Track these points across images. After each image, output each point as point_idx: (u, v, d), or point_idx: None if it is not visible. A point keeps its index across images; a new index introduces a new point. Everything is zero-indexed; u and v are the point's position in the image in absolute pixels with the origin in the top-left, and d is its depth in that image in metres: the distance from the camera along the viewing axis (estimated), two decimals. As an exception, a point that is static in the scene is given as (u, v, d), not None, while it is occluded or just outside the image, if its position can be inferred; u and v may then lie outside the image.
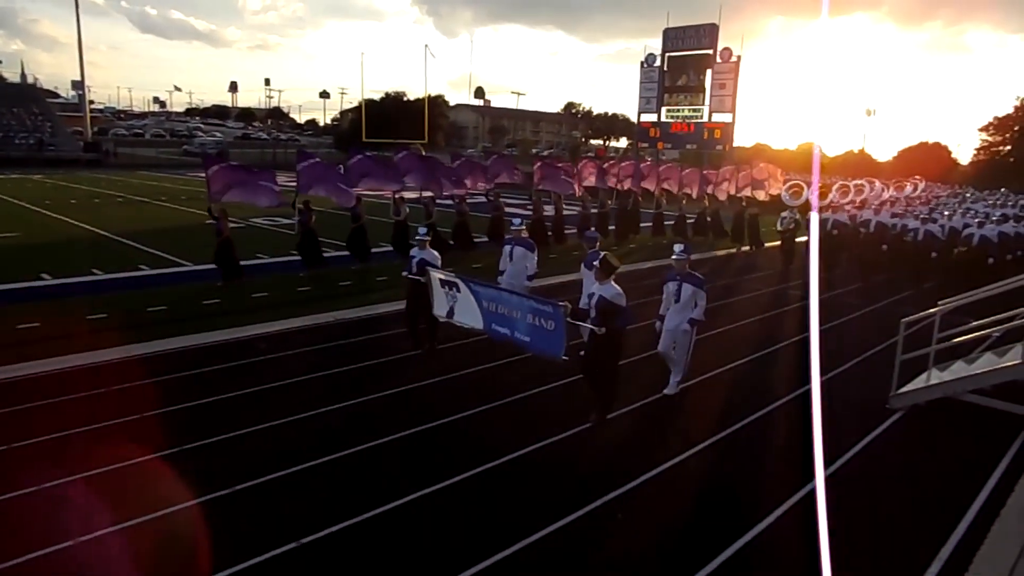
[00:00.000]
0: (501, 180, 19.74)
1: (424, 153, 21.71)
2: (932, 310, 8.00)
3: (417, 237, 9.35)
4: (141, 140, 75.48)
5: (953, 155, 67.03)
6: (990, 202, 24.49)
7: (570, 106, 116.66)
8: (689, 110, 46.62)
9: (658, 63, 47.29)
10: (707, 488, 6.05)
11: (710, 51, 44.65)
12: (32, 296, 11.88)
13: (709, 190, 23.71)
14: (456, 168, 18.46)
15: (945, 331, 7.95)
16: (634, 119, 52.08)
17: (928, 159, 58.85)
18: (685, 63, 46.24)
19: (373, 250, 15.64)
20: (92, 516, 5.05)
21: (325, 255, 14.89)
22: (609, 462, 6.37)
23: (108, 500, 5.30)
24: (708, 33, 44.74)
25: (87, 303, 11.31)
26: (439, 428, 6.95)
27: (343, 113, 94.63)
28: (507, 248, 9.81)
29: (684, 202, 23.33)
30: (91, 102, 75.32)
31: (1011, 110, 60.88)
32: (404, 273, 9.24)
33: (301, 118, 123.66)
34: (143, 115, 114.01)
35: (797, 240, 17.83)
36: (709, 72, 45.02)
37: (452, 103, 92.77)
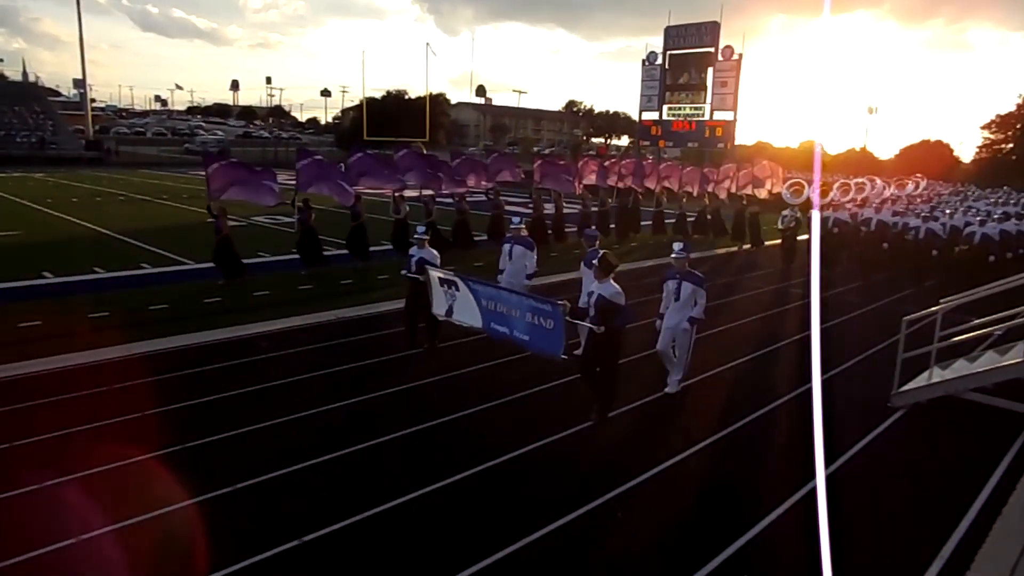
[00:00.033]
0: (502, 179, 19.73)
1: (425, 152, 21.71)
2: (934, 308, 7.99)
3: (415, 236, 9.34)
4: (143, 138, 75.56)
5: (955, 153, 67.04)
6: (992, 200, 24.46)
7: (571, 104, 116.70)
8: (691, 108, 46.54)
9: (659, 61, 47.22)
10: (708, 487, 6.05)
11: (711, 49, 44.56)
12: (34, 294, 11.90)
13: (709, 188, 23.69)
14: (456, 166, 18.44)
15: (947, 329, 7.95)
16: (636, 117, 51.99)
17: (930, 157, 58.79)
18: (687, 61, 46.16)
19: (373, 248, 15.63)
20: (94, 514, 5.06)
21: (326, 253, 14.89)
22: (610, 461, 6.37)
23: (110, 498, 5.31)
24: (709, 31, 44.66)
25: (89, 301, 11.32)
26: (440, 427, 6.95)
27: (344, 111, 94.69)
28: (506, 247, 9.79)
29: (684, 200, 23.30)
30: (93, 100, 75.41)
31: (1013, 108, 60.89)
32: (403, 272, 9.24)
33: (302, 116, 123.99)
34: (145, 113, 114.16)
35: (798, 238, 17.80)
36: (711, 70, 44.93)
37: (453, 101, 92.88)
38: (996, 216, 16.08)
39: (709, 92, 45.21)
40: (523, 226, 10.22)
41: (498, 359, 8.80)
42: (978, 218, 16.26)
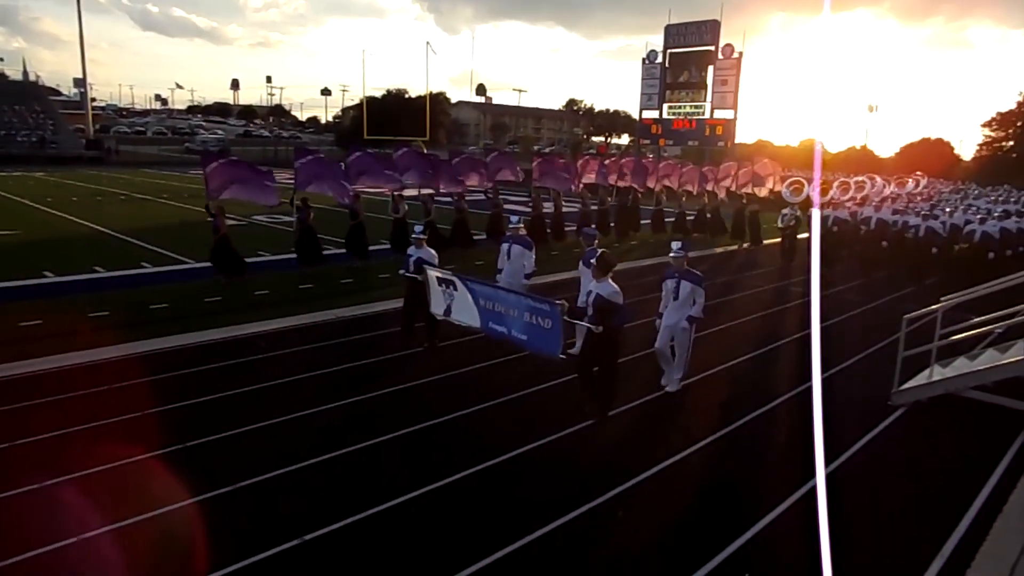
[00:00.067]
0: (502, 178, 19.70)
1: (425, 151, 21.71)
2: (934, 306, 7.98)
3: (413, 236, 9.32)
4: (143, 138, 75.61)
5: (956, 151, 67.00)
6: (992, 198, 24.44)
7: (572, 103, 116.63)
8: (691, 107, 46.51)
9: (660, 60, 47.18)
10: (708, 485, 6.04)
11: (712, 47, 44.52)
12: (34, 294, 11.90)
13: (709, 187, 23.67)
14: (456, 165, 18.41)
15: (947, 327, 7.94)
16: (636, 116, 51.95)
17: (930, 155, 58.78)
18: (687, 59, 46.12)
19: (372, 248, 15.61)
20: (93, 514, 5.05)
21: (325, 253, 14.86)
22: (610, 460, 6.36)
23: (109, 498, 5.31)
24: (710, 29, 44.62)
25: (89, 301, 11.31)
26: (439, 426, 6.95)
27: (345, 110, 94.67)
28: (505, 246, 9.75)
29: (684, 199, 23.26)
30: (93, 100, 75.45)
31: (1014, 105, 60.87)
32: (401, 272, 9.23)
33: (303, 115, 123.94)
34: (145, 113, 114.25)
35: (798, 237, 17.78)
36: (711, 68, 44.90)
37: (453, 100, 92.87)
38: (996, 214, 16.07)
39: (709, 90, 45.18)
40: (521, 225, 10.20)
41: (497, 359, 8.79)
42: (978, 216, 16.25)
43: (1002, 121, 61.56)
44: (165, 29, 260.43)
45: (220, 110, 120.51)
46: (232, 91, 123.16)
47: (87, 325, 9.80)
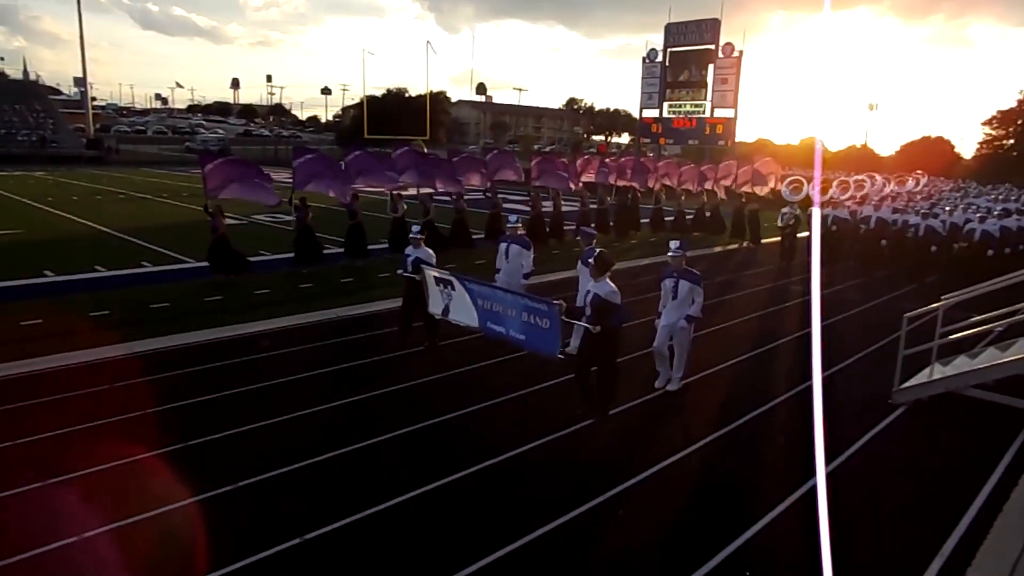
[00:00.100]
0: (503, 177, 19.68)
1: (426, 150, 21.68)
2: (935, 305, 7.98)
3: (411, 235, 9.31)
4: (143, 137, 75.58)
5: (956, 149, 67.00)
6: (992, 197, 24.43)
7: (572, 102, 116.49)
8: (691, 105, 46.47)
9: (660, 58, 47.13)
10: (709, 484, 6.04)
11: (712, 46, 44.47)
12: (34, 293, 11.90)
13: (708, 185, 23.65)
14: (455, 164, 18.39)
15: (947, 326, 7.93)
16: (636, 115, 51.92)
17: (931, 153, 58.80)
18: (687, 58, 46.08)
19: (372, 247, 15.60)
20: (94, 513, 5.06)
21: (326, 252, 14.85)
22: (610, 459, 6.36)
23: (110, 497, 5.31)
24: (710, 28, 44.58)
25: (89, 300, 11.31)
26: (440, 425, 6.95)
27: (345, 109, 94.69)
28: (503, 246, 9.72)
29: (683, 198, 23.25)
30: (93, 99, 75.47)
31: (1014, 104, 60.84)
32: (399, 271, 9.23)
33: (303, 115, 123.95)
34: (145, 112, 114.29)
35: (797, 236, 17.78)
36: (711, 67, 44.85)
37: (454, 99, 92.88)
38: (996, 212, 16.06)
39: (710, 89, 45.14)
40: (519, 225, 10.18)
41: (498, 358, 8.79)
42: (978, 215, 16.24)
43: (1003, 119, 61.54)
44: (165, 28, 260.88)
45: (220, 109, 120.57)
46: (232, 90, 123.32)
47: (87, 324, 9.81)
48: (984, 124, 63.11)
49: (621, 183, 22.17)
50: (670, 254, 7.93)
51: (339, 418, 7.06)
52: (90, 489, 5.45)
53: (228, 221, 13.20)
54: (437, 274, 8.38)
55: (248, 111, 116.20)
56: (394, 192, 16.43)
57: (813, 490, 5.71)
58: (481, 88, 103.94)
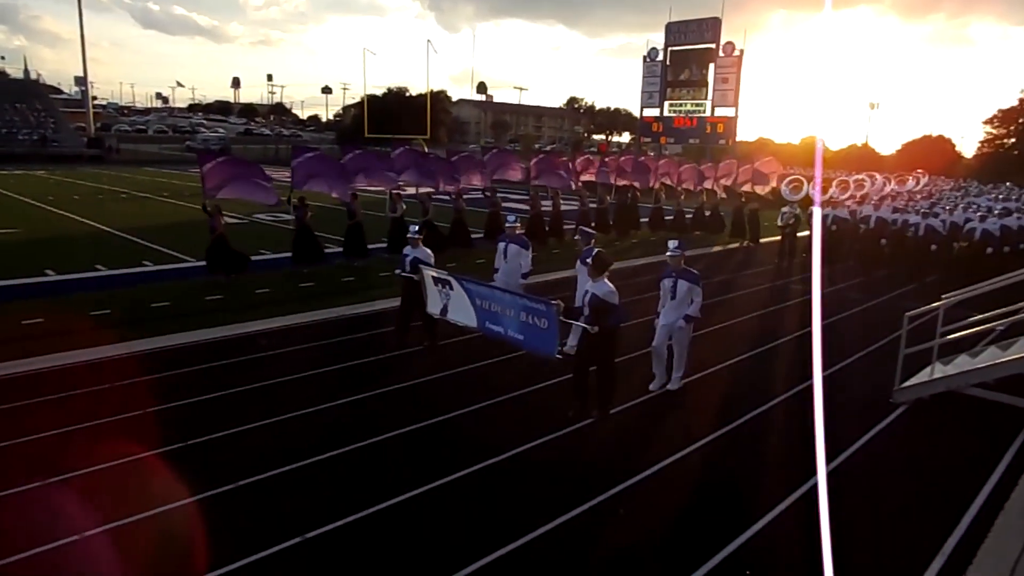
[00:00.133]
0: (505, 177, 19.66)
1: (427, 149, 21.68)
2: (935, 304, 7.97)
3: (409, 235, 9.30)
4: (144, 136, 75.57)
5: (957, 148, 67.00)
6: (993, 196, 24.40)
7: (572, 101, 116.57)
8: (692, 105, 46.48)
9: (660, 57, 47.14)
10: (709, 483, 6.04)
11: (712, 45, 44.47)
12: (36, 292, 11.91)
13: (707, 184, 23.64)
14: (455, 164, 18.38)
15: (948, 325, 7.93)
16: (637, 114, 51.92)
17: (932, 152, 58.83)
18: (688, 57, 46.08)
19: (372, 246, 15.59)
20: (95, 512, 5.06)
21: (327, 251, 14.83)
22: (611, 458, 6.37)
23: (111, 496, 5.32)
24: (711, 27, 44.57)
25: (90, 299, 11.32)
26: (441, 424, 6.95)
27: (345, 109, 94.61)
28: (501, 245, 9.69)
29: (682, 197, 23.24)
30: (94, 98, 75.47)
31: (1015, 102, 60.80)
32: (397, 271, 9.23)
33: (304, 114, 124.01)
34: (146, 111, 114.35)
35: (797, 235, 17.77)
36: (712, 66, 44.86)
37: (454, 98, 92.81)
38: (997, 211, 16.05)
39: (710, 88, 45.16)
40: (518, 224, 10.17)
41: (499, 357, 8.79)
42: (978, 214, 16.23)
43: (1004, 118, 61.51)
44: (166, 27, 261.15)
45: (221, 108, 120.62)
46: (233, 89, 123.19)
47: (88, 323, 9.81)
48: (985, 123, 63.21)
49: (621, 182, 22.15)
50: (668, 254, 7.92)
51: (340, 417, 7.06)
52: (91, 488, 5.45)
53: (229, 221, 13.21)
54: (435, 274, 8.38)
55: (249, 110, 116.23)
56: (393, 192, 16.43)
57: (813, 489, 5.72)
58: (482, 87, 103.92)
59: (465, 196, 18.29)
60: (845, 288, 14.41)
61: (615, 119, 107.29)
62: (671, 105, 47.30)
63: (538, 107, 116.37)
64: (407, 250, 9.15)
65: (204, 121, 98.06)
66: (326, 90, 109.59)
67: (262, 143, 67.84)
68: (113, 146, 55.80)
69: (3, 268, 13.39)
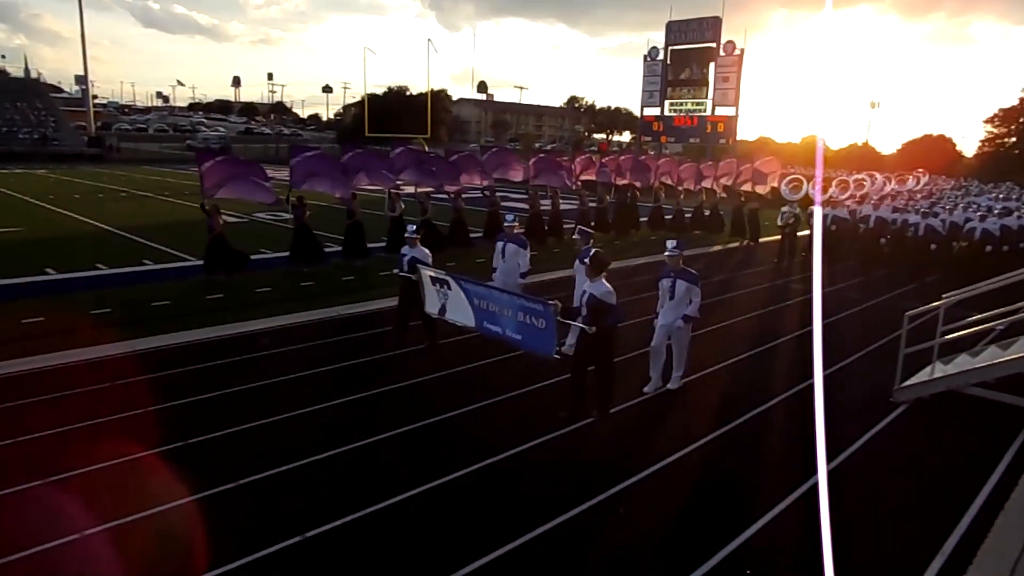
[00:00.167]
0: (506, 176, 19.64)
1: (427, 148, 21.66)
2: (935, 303, 7.97)
3: (407, 235, 9.29)
4: (144, 135, 75.59)
5: (958, 147, 66.97)
6: (993, 195, 24.38)
7: (573, 100, 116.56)
8: (692, 104, 46.45)
9: (661, 57, 47.11)
10: (709, 483, 6.03)
11: (713, 44, 44.44)
12: (36, 291, 11.91)
13: (706, 184, 23.62)
14: (455, 163, 18.35)
15: (948, 324, 7.92)
16: (637, 113, 51.88)
17: (933, 151, 58.80)
18: (688, 57, 46.05)
19: (371, 246, 15.58)
20: (95, 511, 5.06)
21: (327, 251, 14.82)
22: (610, 457, 6.36)
23: (110, 495, 5.32)
24: (711, 26, 44.54)
25: (91, 298, 11.32)
26: (440, 423, 6.95)
27: (346, 108, 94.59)
28: (499, 245, 9.67)
29: (682, 196, 23.21)
30: (94, 97, 75.55)
31: (1016, 102, 60.77)
32: (395, 271, 9.21)
33: (304, 113, 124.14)
34: (146, 110, 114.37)
35: (797, 235, 17.75)
36: (712, 65, 44.83)
37: (455, 97, 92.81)
38: (997, 211, 16.03)
39: (711, 88, 45.14)
40: (516, 223, 10.15)
41: (497, 356, 8.78)
42: (978, 214, 16.22)
43: (1004, 117, 61.48)
44: (166, 26, 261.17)
45: (221, 107, 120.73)
46: (233, 88, 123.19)
47: (88, 322, 9.81)
48: (986, 122, 63.19)
49: (621, 182, 22.13)
50: (667, 254, 7.90)
51: (339, 416, 7.06)
52: (90, 487, 5.45)
53: (229, 219, 13.20)
54: (433, 274, 8.37)
55: (249, 109, 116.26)
56: (392, 191, 16.41)
57: (813, 488, 5.71)
58: (482, 86, 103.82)
59: (464, 195, 18.27)
60: (845, 288, 14.39)
61: (616, 118, 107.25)
62: (672, 104, 47.27)
63: (539, 106, 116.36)
64: (405, 250, 9.14)
65: (204, 120, 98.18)
66: (326, 89, 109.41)
67: (262, 142, 67.90)
68: (113, 145, 55.89)
69: (4, 267, 13.40)
